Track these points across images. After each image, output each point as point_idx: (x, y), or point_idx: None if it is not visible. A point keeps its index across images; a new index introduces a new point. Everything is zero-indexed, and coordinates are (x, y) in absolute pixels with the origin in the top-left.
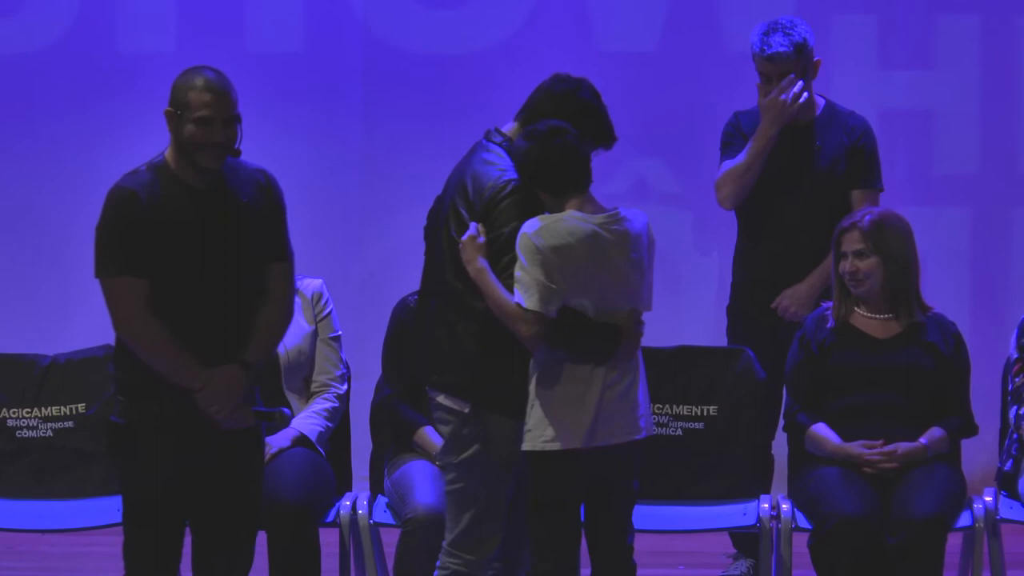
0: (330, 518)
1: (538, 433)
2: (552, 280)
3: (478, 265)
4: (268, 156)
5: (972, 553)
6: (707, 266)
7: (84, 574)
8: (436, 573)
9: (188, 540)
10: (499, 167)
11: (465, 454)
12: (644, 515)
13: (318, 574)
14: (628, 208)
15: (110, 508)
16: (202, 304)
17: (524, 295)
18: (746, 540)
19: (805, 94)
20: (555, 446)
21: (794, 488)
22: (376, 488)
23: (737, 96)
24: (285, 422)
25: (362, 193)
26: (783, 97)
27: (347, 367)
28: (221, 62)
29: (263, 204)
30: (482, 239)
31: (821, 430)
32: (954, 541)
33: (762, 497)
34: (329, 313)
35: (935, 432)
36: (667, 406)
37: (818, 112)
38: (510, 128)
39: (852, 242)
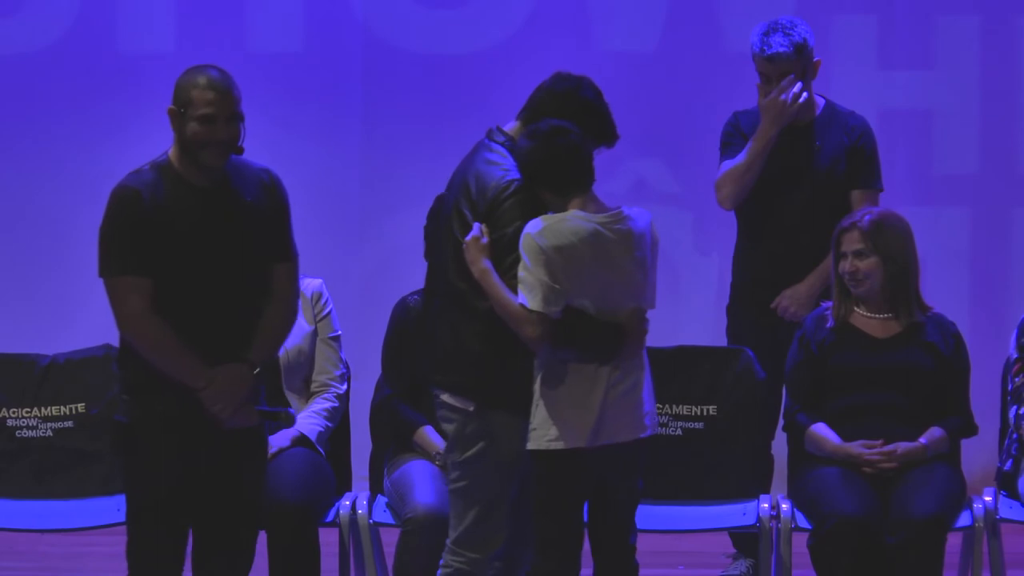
0: (330, 518)
1: (543, 432)
2: (556, 280)
3: (482, 266)
4: (268, 156)
5: (972, 553)
6: (707, 266)
7: (84, 574)
8: (439, 571)
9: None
10: (502, 167)
11: (469, 452)
12: (644, 515)
13: (318, 574)
14: (631, 207)
15: (110, 508)
16: (206, 303)
17: (528, 296)
18: (746, 540)
19: (805, 94)
20: (560, 445)
21: (794, 488)
22: (376, 488)
23: (737, 96)
24: (290, 421)
25: (362, 193)
26: (783, 97)
27: (347, 367)
28: (221, 62)
29: (267, 204)
30: (485, 240)
31: (821, 430)
32: (954, 541)
33: (762, 497)
34: (329, 313)
35: (935, 432)
36: (667, 406)
37: (818, 112)
38: (512, 127)
39: (852, 242)
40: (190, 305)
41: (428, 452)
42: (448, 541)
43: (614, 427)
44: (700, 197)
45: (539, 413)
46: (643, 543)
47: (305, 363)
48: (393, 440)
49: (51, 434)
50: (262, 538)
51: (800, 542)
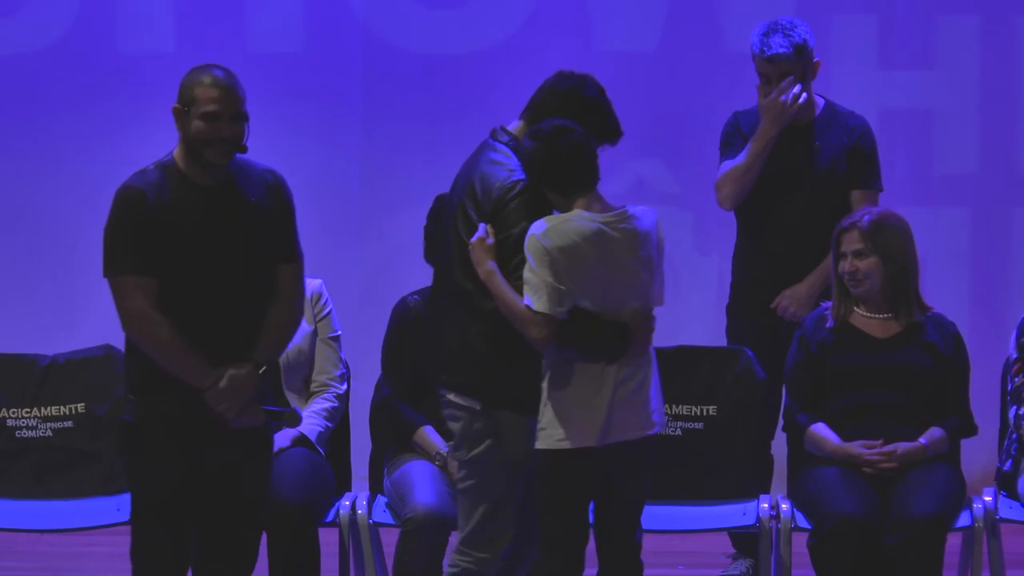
0: (330, 518)
1: (551, 432)
2: (561, 281)
3: (487, 267)
4: (268, 156)
5: (971, 553)
6: (707, 266)
7: (84, 574)
8: (447, 571)
9: None
10: (507, 167)
11: (476, 450)
12: (644, 515)
13: (318, 574)
14: (636, 205)
15: (110, 508)
16: (211, 303)
17: (533, 297)
18: (746, 540)
19: (804, 95)
20: (568, 444)
21: (793, 488)
22: (376, 488)
23: (737, 96)
24: (295, 421)
25: (362, 193)
26: (783, 98)
27: (347, 367)
28: (221, 62)
29: (272, 204)
30: (491, 240)
31: (820, 430)
32: (953, 541)
33: (762, 497)
34: (329, 313)
35: (935, 432)
36: (667, 406)
37: (818, 112)
38: (515, 127)
39: (851, 242)
40: (195, 305)
41: (428, 452)
42: (456, 541)
43: (622, 425)
44: (700, 197)
45: (547, 413)
46: (643, 543)
47: (305, 363)
48: (393, 440)
49: (51, 434)
50: (262, 538)
51: (800, 542)
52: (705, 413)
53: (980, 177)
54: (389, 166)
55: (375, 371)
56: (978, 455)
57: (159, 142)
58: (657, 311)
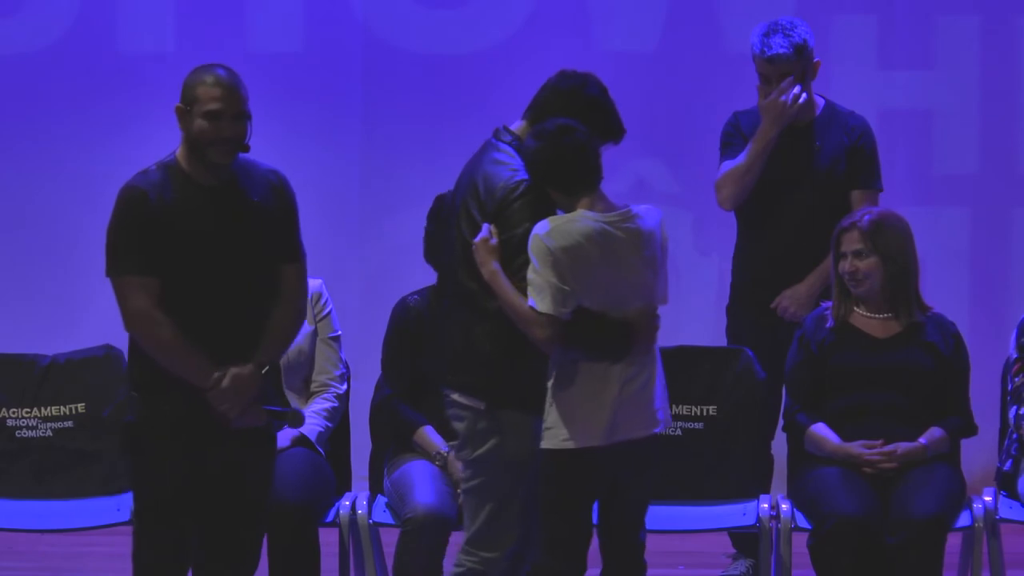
0: (330, 518)
1: (557, 431)
2: (564, 282)
3: (491, 268)
4: (268, 156)
5: (972, 553)
6: (707, 266)
7: (84, 574)
8: (453, 570)
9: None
10: (511, 167)
11: (481, 449)
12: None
13: (318, 574)
14: (640, 205)
15: (110, 508)
16: (214, 303)
17: (537, 298)
18: (746, 540)
19: (804, 95)
20: (574, 444)
21: (794, 488)
22: (376, 488)
23: (737, 96)
24: (299, 421)
25: (362, 193)
26: (783, 99)
27: (347, 367)
28: (221, 62)
29: (275, 205)
30: (494, 241)
31: (821, 430)
32: (954, 541)
33: (762, 497)
34: (329, 313)
35: (935, 432)
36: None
37: (818, 112)
38: (518, 126)
39: (852, 242)
40: (198, 305)
41: (428, 452)
42: (462, 541)
43: (628, 424)
44: (700, 197)
45: (553, 412)
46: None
47: (305, 363)
48: (393, 440)
49: (51, 434)
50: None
51: (800, 542)
52: (705, 413)
53: (980, 177)
54: (389, 166)
55: (375, 371)
56: (978, 455)
57: (159, 142)
58: (658, 310)
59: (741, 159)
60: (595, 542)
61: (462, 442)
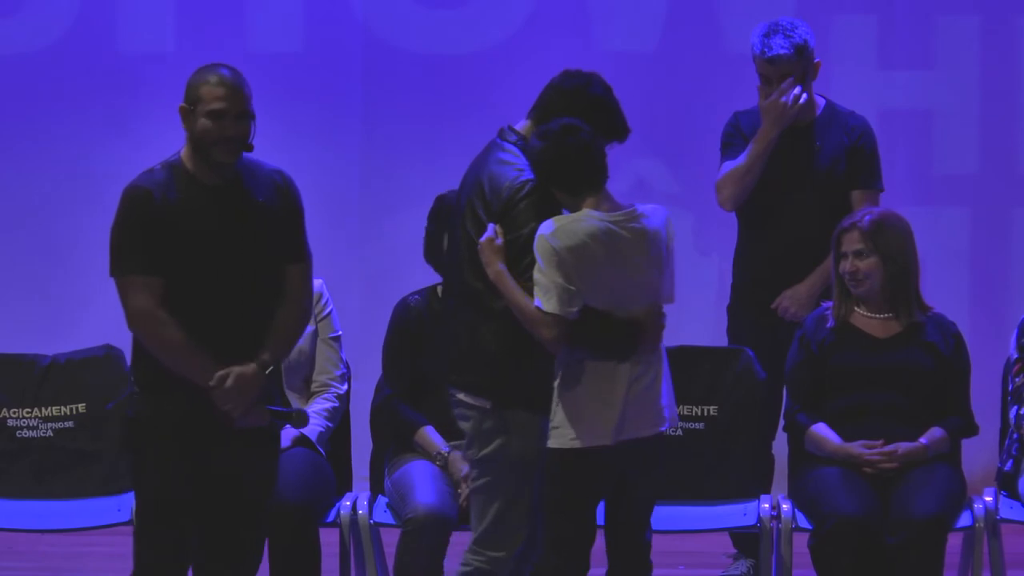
0: (330, 518)
1: (565, 431)
2: (570, 281)
3: (497, 268)
4: (268, 156)
5: (972, 553)
6: (707, 266)
7: (84, 574)
8: (460, 569)
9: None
10: (516, 167)
11: (488, 449)
12: None
13: (318, 574)
14: (645, 204)
15: (110, 508)
16: (218, 303)
17: (543, 298)
18: (746, 540)
19: (804, 96)
20: (581, 444)
21: (794, 488)
22: (376, 488)
23: (737, 96)
24: (303, 422)
25: (362, 193)
26: (783, 99)
27: (347, 367)
28: (221, 62)
29: (280, 205)
30: (500, 241)
31: (821, 430)
32: (954, 541)
33: (762, 497)
34: (329, 313)
35: (935, 432)
36: None
37: (818, 112)
38: (523, 126)
39: (852, 242)
40: (202, 305)
41: (429, 452)
42: (469, 540)
43: (636, 422)
44: (700, 197)
45: (559, 412)
46: None
47: (306, 363)
48: (393, 440)
49: (51, 434)
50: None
51: (801, 542)
52: (706, 413)
53: (980, 177)
54: (389, 166)
55: (376, 371)
56: (979, 455)
57: (159, 142)
58: None
59: (741, 160)
60: (599, 542)
61: (468, 442)
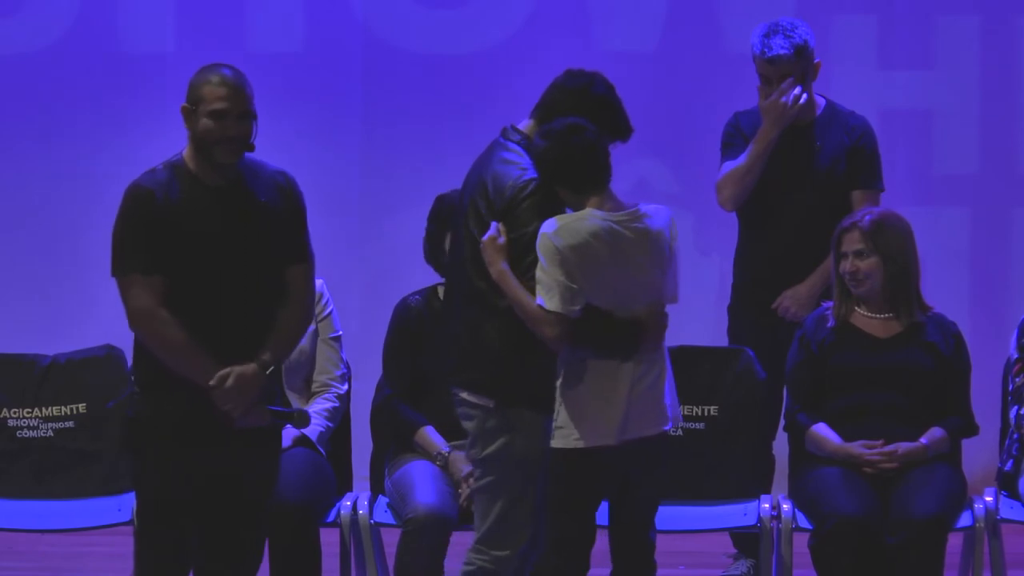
0: (331, 518)
1: (568, 431)
2: (573, 280)
3: (499, 267)
4: (269, 156)
5: (972, 553)
6: (707, 266)
7: (84, 574)
8: (463, 568)
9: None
10: (519, 166)
11: (491, 448)
12: None
13: (319, 574)
14: (649, 204)
15: (110, 508)
16: (220, 303)
17: (545, 296)
18: (747, 540)
19: (805, 96)
20: (585, 444)
21: (794, 488)
22: (377, 488)
23: (737, 96)
24: (304, 422)
25: (362, 193)
26: (783, 100)
27: (348, 367)
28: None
29: (282, 206)
30: (502, 239)
31: (821, 430)
32: (954, 541)
33: (763, 497)
34: (330, 313)
35: (935, 432)
36: None
37: (818, 112)
38: (527, 125)
39: (852, 242)
40: (204, 305)
41: (429, 452)
42: (472, 539)
43: (640, 421)
44: (700, 197)
45: (563, 411)
46: None
47: (306, 363)
48: (394, 440)
49: (52, 434)
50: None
51: (801, 542)
52: (706, 413)
53: (980, 177)
54: (389, 166)
55: (376, 371)
56: (979, 455)
57: (160, 142)
58: None
59: (742, 160)
60: (603, 542)
61: (472, 440)
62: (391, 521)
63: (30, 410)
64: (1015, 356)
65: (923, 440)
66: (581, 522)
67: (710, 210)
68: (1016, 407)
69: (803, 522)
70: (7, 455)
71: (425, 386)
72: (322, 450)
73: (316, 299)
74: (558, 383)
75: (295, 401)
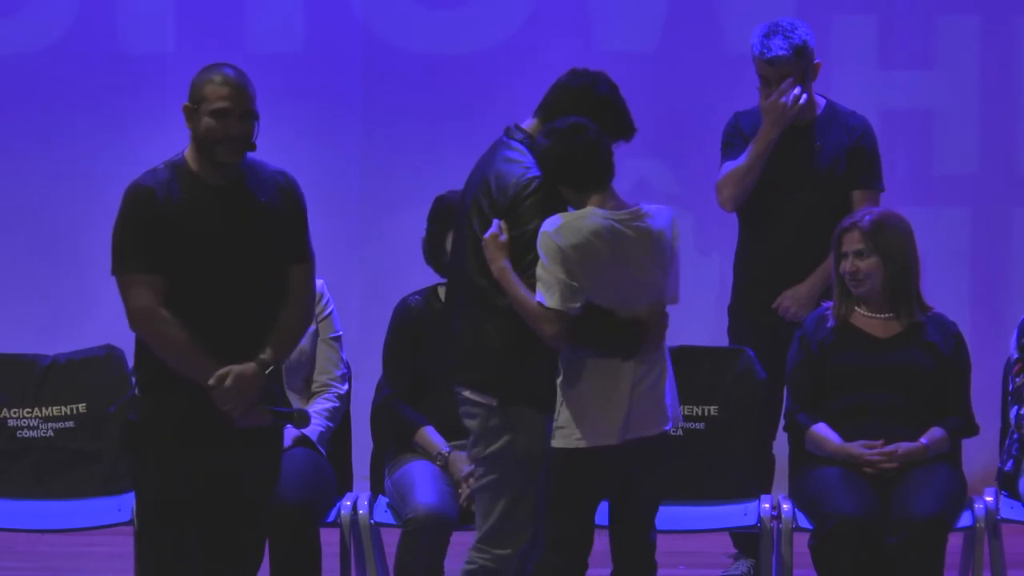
0: (331, 518)
1: (570, 431)
2: (573, 278)
3: (501, 264)
4: (269, 156)
5: (972, 553)
6: (708, 266)
7: (84, 574)
8: (464, 567)
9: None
10: (523, 165)
11: (494, 446)
12: None
13: (319, 574)
14: (650, 204)
15: (110, 508)
16: (220, 303)
17: (545, 294)
18: (747, 540)
19: (804, 96)
20: (586, 443)
21: (795, 488)
22: (377, 488)
23: (737, 97)
24: (305, 422)
25: (362, 193)
26: (783, 100)
27: (348, 367)
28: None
29: (283, 206)
30: (504, 237)
31: (821, 430)
32: (954, 541)
33: (763, 497)
34: (330, 313)
35: (935, 432)
36: None
37: (818, 112)
38: (530, 124)
39: (852, 242)
40: (204, 304)
41: (429, 452)
42: (474, 538)
43: (641, 421)
44: (701, 197)
45: (565, 412)
46: None
47: (306, 363)
48: (394, 440)
49: (52, 434)
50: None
51: (801, 542)
52: (706, 413)
53: (980, 177)
54: (389, 166)
55: (376, 371)
56: (979, 455)
57: (160, 142)
58: None
59: (742, 160)
60: (603, 542)
61: (474, 439)
62: (391, 521)
63: (30, 410)
64: (1015, 356)
65: (923, 440)
66: (581, 522)
67: (710, 210)
68: (1016, 407)
69: (803, 522)
70: (7, 455)
71: (425, 386)
72: (322, 450)
73: (316, 299)
74: (559, 382)
75: (295, 401)
